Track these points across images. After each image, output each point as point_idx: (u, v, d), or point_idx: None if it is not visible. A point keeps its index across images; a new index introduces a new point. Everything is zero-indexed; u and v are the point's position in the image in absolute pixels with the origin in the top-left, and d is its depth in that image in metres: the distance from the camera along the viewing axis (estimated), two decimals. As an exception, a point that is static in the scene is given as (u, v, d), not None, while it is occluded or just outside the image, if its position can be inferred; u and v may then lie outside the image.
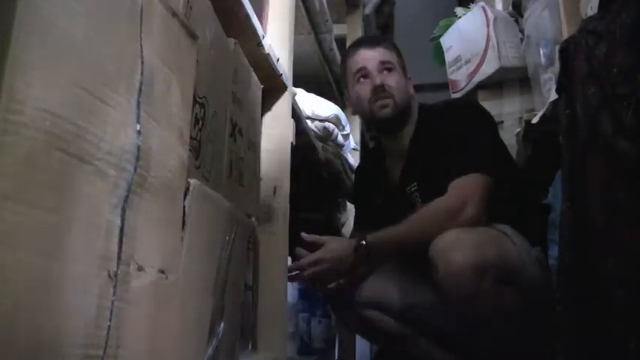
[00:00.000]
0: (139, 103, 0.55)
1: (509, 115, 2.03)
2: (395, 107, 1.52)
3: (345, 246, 1.41)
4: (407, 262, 1.68)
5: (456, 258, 1.21)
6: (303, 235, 1.44)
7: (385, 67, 1.53)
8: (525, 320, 1.25)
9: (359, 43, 1.61)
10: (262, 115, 1.21)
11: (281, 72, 1.29)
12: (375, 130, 1.75)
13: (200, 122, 0.77)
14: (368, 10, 3.03)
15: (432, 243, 1.26)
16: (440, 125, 1.48)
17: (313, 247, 1.43)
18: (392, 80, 1.52)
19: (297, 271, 1.41)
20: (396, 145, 1.58)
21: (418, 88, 1.68)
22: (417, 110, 1.58)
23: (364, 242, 1.38)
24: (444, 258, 1.23)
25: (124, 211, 0.52)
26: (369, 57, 1.54)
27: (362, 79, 1.55)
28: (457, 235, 1.25)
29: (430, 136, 1.50)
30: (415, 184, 1.51)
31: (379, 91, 1.51)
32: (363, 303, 1.52)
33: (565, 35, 1.28)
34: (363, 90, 1.54)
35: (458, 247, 1.22)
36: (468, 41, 2.13)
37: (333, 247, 1.41)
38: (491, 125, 1.54)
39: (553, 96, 1.30)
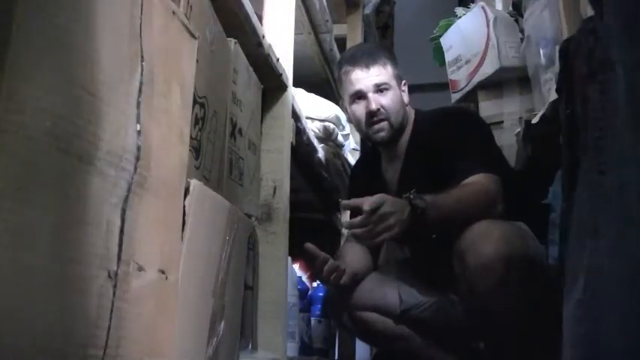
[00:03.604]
0: (138, 103, 0.55)
1: (509, 115, 2.03)
2: (390, 129, 1.53)
3: (401, 202, 1.30)
4: (406, 261, 1.68)
5: (487, 249, 1.19)
6: (307, 245, 1.42)
7: (380, 88, 1.52)
8: (537, 317, 1.24)
9: (353, 63, 1.56)
10: (262, 115, 1.21)
11: (281, 72, 1.29)
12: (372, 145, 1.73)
13: (200, 122, 0.77)
14: (368, 10, 3.02)
15: (461, 235, 1.25)
16: (437, 132, 1.48)
17: (313, 257, 1.41)
18: (387, 101, 1.52)
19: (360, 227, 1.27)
20: (392, 152, 1.60)
21: (418, 88, 1.69)
22: (412, 117, 1.59)
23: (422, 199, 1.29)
24: (474, 249, 1.21)
25: (123, 211, 0.52)
26: (365, 79, 1.52)
27: (358, 100, 1.55)
28: (487, 227, 1.23)
29: (427, 144, 1.50)
30: (414, 191, 1.51)
31: (375, 115, 1.51)
32: (361, 305, 1.52)
33: (565, 35, 1.28)
34: (359, 111, 1.55)
35: (489, 239, 1.21)
36: (468, 41, 2.12)
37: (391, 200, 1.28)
38: (488, 131, 1.55)
39: (553, 96, 1.30)
